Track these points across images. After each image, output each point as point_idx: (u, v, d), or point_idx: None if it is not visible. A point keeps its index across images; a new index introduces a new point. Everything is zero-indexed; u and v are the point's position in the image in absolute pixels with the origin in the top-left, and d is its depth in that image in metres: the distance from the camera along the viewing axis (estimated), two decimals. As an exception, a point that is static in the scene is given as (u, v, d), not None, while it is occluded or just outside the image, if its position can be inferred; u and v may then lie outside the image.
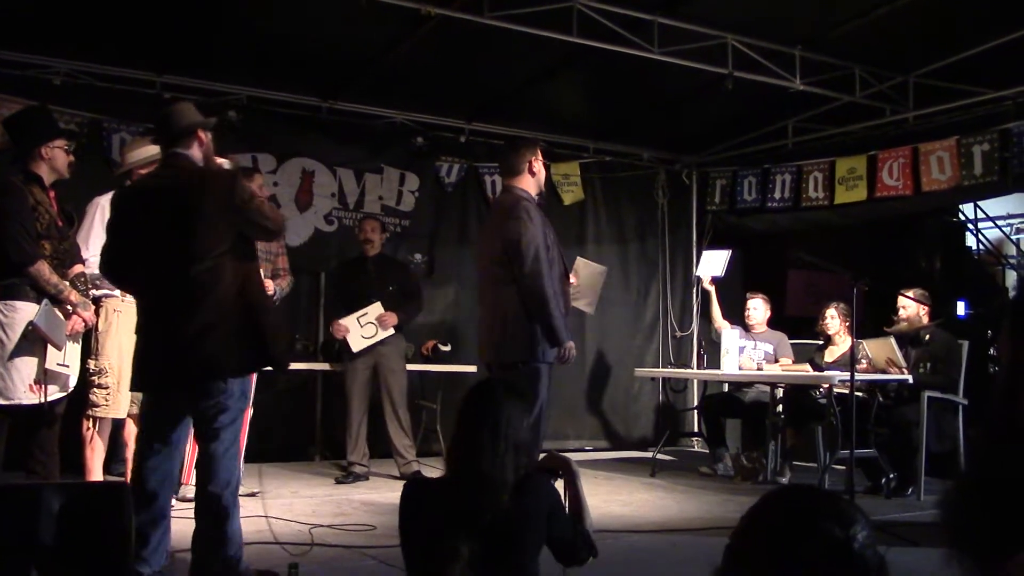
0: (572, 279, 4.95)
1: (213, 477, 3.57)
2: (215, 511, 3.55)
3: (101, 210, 4.97)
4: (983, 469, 0.87)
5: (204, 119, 3.82)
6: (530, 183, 4.68)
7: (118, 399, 4.99)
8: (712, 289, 7.45)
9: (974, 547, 0.82)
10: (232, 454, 3.64)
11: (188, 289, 3.54)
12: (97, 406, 4.98)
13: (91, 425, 5.03)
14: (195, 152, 3.75)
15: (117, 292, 4.89)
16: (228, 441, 3.61)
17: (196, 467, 3.69)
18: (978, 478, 0.87)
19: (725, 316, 7.47)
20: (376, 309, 6.43)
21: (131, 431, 5.18)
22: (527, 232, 4.43)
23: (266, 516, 5.04)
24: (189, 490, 5.55)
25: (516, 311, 4.50)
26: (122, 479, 5.02)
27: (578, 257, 5.30)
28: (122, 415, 5.09)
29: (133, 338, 4.94)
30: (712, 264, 7.51)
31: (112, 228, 3.82)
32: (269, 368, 3.88)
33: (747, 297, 7.47)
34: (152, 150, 5.24)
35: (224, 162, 3.86)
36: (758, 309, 7.37)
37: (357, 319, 6.41)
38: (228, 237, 3.59)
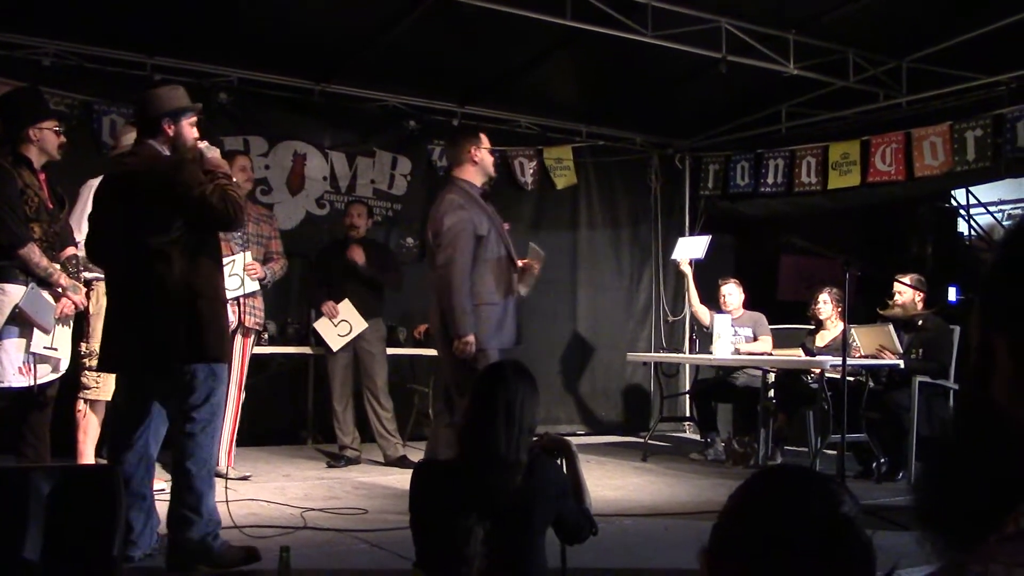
0: (524, 263, 5.02)
1: (189, 455, 3.64)
2: (191, 489, 3.62)
3: (92, 192, 4.96)
4: (954, 452, 0.87)
5: (172, 108, 3.81)
6: (473, 172, 4.87)
7: (109, 381, 4.97)
8: (689, 272, 7.42)
9: (947, 530, 0.82)
10: (209, 433, 3.70)
11: (139, 275, 3.65)
12: (88, 388, 4.97)
13: (83, 408, 5.02)
14: (160, 141, 3.79)
15: (103, 275, 4.87)
16: (203, 421, 3.68)
17: (172, 445, 3.76)
18: (949, 461, 0.87)
19: (704, 301, 7.46)
20: (347, 307, 6.40)
21: None
22: (446, 227, 4.65)
23: (258, 499, 5.04)
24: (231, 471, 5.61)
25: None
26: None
27: (530, 243, 5.37)
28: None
29: None
30: (690, 248, 7.48)
31: (91, 215, 3.99)
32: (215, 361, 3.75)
33: (720, 283, 7.46)
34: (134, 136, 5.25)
35: (203, 145, 3.86)
36: (733, 294, 7.36)
37: (331, 320, 6.41)
38: (173, 224, 3.64)
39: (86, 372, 4.96)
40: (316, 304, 6.63)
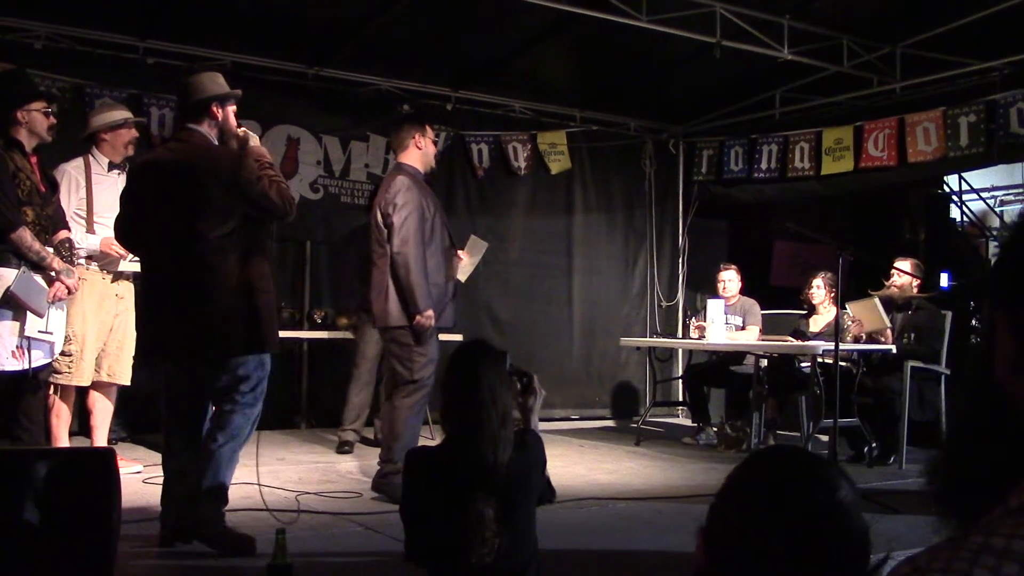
0: (463, 255, 5.25)
1: (224, 426, 3.71)
2: (218, 468, 3.67)
3: (67, 176, 4.99)
4: (964, 435, 0.89)
5: (220, 92, 3.80)
6: (416, 158, 4.97)
7: (81, 367, 4.94)
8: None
9: (960, 513, 0.83)
10: (248, 416, 3.77)
11: (192, 267, 3.62)
12: (60, 373, 4.90)
13: (53, 392, 4.96)
14: (207, 128, 3.77)
15: (83, 260, 4.88)
16: (247, 405, 3.76)
17: (211, 419, 3.81)
18: (960, 444, 0.88)
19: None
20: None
21: (95, 399, 5.20)
22: (401, 209, 4.72)
23: (253, 483, 5.05)
24: None
25: (395, 280, 4.78)
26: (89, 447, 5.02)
27: (472, 235, 5.58)
28: (85, 383, 5.04)
29: (98, 306, 4.99)
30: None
31: (124, 198, 3.91)
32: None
33: (719, 269, 7.46)
34: (116, 115, 5.21)
35: (243, 131, 3.84)
36: (732, 281, 7.37)
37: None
38: (232, 218, 3.64)
39: (58, 357, 4.89)
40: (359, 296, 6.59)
